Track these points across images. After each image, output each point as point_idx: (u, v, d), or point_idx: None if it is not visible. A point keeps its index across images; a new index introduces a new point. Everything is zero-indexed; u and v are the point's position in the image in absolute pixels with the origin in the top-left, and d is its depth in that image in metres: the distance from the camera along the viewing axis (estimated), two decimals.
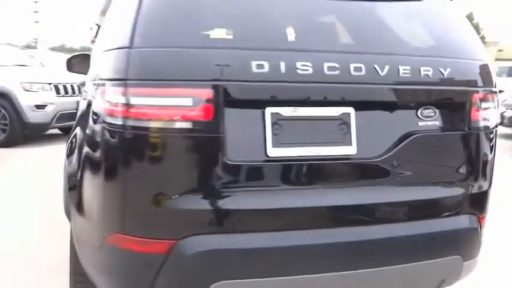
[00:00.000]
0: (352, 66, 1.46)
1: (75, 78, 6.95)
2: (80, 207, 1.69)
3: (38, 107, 6.35)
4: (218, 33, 1.52)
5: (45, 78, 6.68)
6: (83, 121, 1.74)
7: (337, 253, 1.49)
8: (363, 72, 1.47)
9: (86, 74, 3.61)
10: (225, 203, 1.42)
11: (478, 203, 1.73)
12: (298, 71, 1.41)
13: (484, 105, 1.67)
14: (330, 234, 1.48)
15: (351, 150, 1.50)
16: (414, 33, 1.71)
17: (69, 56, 3.83)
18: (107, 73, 1.51)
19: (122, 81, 1.40)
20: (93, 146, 1.56)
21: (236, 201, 1.43)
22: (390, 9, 1.70)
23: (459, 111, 1.63)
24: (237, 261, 1.43)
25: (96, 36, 2.77)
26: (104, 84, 1.51)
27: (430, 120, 1.61)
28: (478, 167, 1.70)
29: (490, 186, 1.76)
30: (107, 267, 1.57)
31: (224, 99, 1.38)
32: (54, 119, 6.44)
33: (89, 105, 1.67)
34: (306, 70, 1.42)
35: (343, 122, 1.50)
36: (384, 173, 1.55)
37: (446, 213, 1.65)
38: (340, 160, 1.50)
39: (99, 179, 1.51)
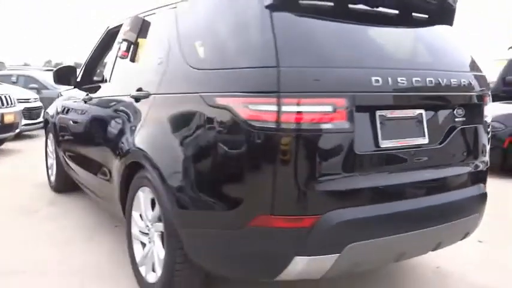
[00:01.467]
0: (427, 79, 2.03)
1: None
2: (207, 202, 2.01)
3: None
4: (344, 55, 1.97)
5: None
6: (199, 131, 2.04)
7: (423, 215, 2.04)
8: (433, 84, 2.05)
9: (71, 85, 3.73)
10: (354, 184, 1.89)
11: (485, 175, 2.41)
12: (398, 84, 1.94)
13: (488, 104, 2.37)
14: (419, 201, 2.03)
15: (424, 140, 2.07)
16: (450, 55, 2.34)
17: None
18: (248, 86, 1.85)
19: (275, 93, 1.78)
20: (235, 146, 1.89)
21: (362, 181, 1.90)
22: (437, 39, 2.32)
23: (478, 109, 2.30)
24: (363, 226, 1.90)
25: (127, 51, 2.95)
26: (239, 96, 1.86)
27: (461, 117, 2.24)
28: (486, 149, 2.39)
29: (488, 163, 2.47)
30: (247, 248, 1.91)
31: (353, 106, 1.84)
32: None
33: (201, 117, 1.99)
34: (402, 83, 1.95)
35: (419, 120, 2.06)
36: (442, 156, 2.14)
37: (473, 183, 2.30)
38: (419, 148, 2.06)
39: (249, 173, 1.86)
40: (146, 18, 2.89)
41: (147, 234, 2.56)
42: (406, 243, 2.05)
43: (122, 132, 2.74)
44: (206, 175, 2.03)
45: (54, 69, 4.02)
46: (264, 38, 1.87)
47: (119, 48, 2.95)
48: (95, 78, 4.00)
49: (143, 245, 2.61)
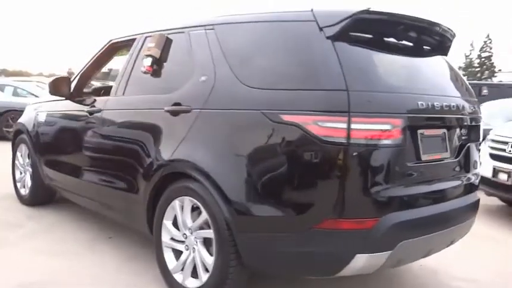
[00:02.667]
0: (451, 104, 2.44)
1: None
2: (272, 208, 2.23)
3: None
4: (396, 82, 2.30)
5: None
6: (262, 144, 2.27)
7: (448, 216, 2.44)
8: (454, 108, 2.47)
9: (64, 96, 3.74)
10: (404, 191, 2.22)
11: (478, 184, 2.88)
12: (434, 107, 2.33)
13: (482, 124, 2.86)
14: (445, 205, 2.42)
15: (447, 154, 2.48)
16: (457, 82, 2.79)
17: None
18: (318, 106, 2.12)
19: (345, 113, 2.07)
20: (304, 158, 2.14)
21: (409, 189, 2.25)
22: (446, 69, 2.76)
23: (477, 129, 2.76)
24: (410, 227, 2.23)
25: (151, 67, 3.05)
26: (309, 114, 2.12)
27: (465, 135, 2.68)
28: (478, 162, 2.87)
29: None
30: (311, 248, 2.16)
31: (405, 125, 2.19)
32: None
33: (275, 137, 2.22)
34: (436, 107, 2.34)
35: (443, 138, 2.47)
36: (457, 167, 2.57)
37: (473, 190, 2.76)
38: (444, 160, 2.47)
39: (319, 182, 2.12)
40: (170, 36, 3.03)
41: (183, 242, 2.69)
42: (435, 241, 2.43)
43: (153, 144, 2.84)
44: (272, 184, 2.25)
45: (50, 79, 3.94)
46: (331, 65, 2.16)
47: (142, 64, 3.04)
48: (97, 91, 4.00)
49: (177, 252, 2.73)
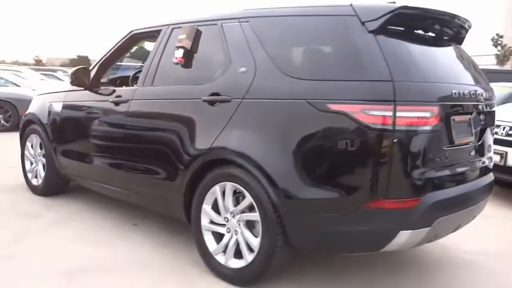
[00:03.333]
0: (475, 92, 2.66)
1: None
2: (320, 191, 2.41)
3: None
4: (432, 72, 2.49)
5: None
6: (310, 131, 2.44)
7: (473, 195, 2.67)
8: (477, 95, 2.68)
9: (86, 87, 3.80)
10: (441, 172, 2.44)
11: (492, 166, 3.13)
12: (464, 95, 2.53)
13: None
14: (471, 185, 2.65)
15: (472, 138, 2.71)
16: (477, 72, 3.01)
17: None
18: (365, 95, 2.30)
19: (391, 101, 2.25)
20: (353, 144, 2.32)
21: (444, 170, 2.46)
22: (466, 59, 2.98)
23: (493, 114, 3.00)
24: (445, 205, 2.45)
25: (183, 58, 3.14)
26: (356, 103, 2.30)
27: (484, 120, 2.91)
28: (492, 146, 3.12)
29: None
30: (358, 227, 2.35)
31: (441, 112, 2.39)
32: None
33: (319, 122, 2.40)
34: (465, 95, 2.55)
35: (468, 123, 2.68)
36: (479, 150, 2.80)
37: (490, 171, 3.00)
38: (469, 144, 2.69)
39: (367, 165, 2.30)
40: (200, 28, 3.14)
41: (223, 225, 2.84)
42: (463, 217, 2.66)
43: (191, 133, 2.96)
44: (321, 168, 2.42)
45: (72, 70, 3.95)
46: (376, 57, 2.33)
47: (174, 55, 3.13)
48: (113, 81, 4.05)
49: (217, 235, 2.89)
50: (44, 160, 4.47)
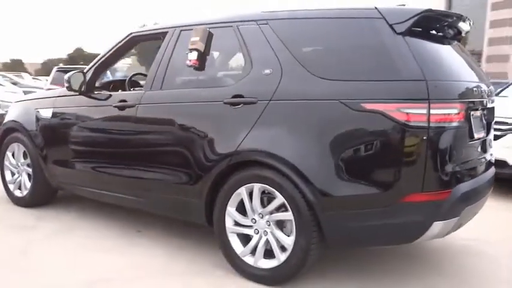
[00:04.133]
0: (484, 88, 2.86)
1: None
2: (358, 187, 2.49)
3: None
4: (455, 71, 2.64)
5: None
6: (344, 130, 2.52)
7: (486, 185, 2.86)
8: (485, 91, 2.88)
9: (78, 91, 3.69)
10: (465, 165, 2.60)
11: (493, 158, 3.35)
12: (480, 92, 2.72)
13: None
14: (484, 176, 2.84)
15: (484, 133, 2.90)
16: (480, 69, 3.21)
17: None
18: (400, 95, 2.41)
19: (425, 100, 2.38)
20: (389, 141, 2.42)
21: (468, 163, 2.63)
22: (472, 59, 3.17)
23: (493, 109, 3.22)
24: (471, 195, 2.61)
25: (197, 60, 3.11)
26: (392, 102, 2.41)
27: (487, 115, 3.11)
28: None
29: None
30: (394, 220, 2.46)
31: (466, 109, 2.55)
32: None
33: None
34: (479, 92, 2.74)
35: (480, 118, 2.87)
36: (487, 144, 3.00)
37: (492, 164, 3.22)
38: (481, 138, 2.88)
39: (403, 161, 2.41)
40: (212, 30, 3.13)
41: (250, 226, 2.86)
42: (479, 206, 2.85)
43: (212, 136, 2.95)
44: (359, 166, 2.51)
45: (68, 74, 3.77)
46: (407, 58, 2.44)
47: (187, 57, 3.10)
48: (106, 85, 3.93)
49: (245, 237, 2.90)
50: (29, 170, 4.25)
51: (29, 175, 4.28)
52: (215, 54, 3.13)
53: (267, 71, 2.82)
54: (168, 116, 3.22)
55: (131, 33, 3.70)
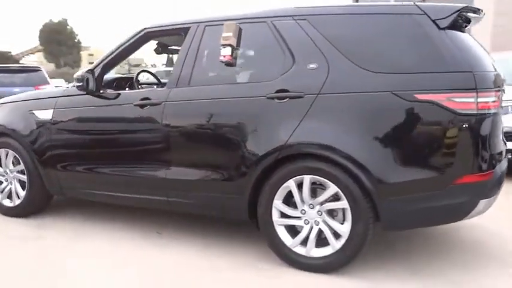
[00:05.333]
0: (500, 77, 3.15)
1: None
2: (415, 172, 2.66)
3: None
4: (486, 62, 2.85)
5: None
6: (398, 119, 2.67)
7: (500, 178, 3.11)
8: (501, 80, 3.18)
9: (86, 91, 3.55)
10: (499, 148, 2.86)
11: None
12: (500, 81, 2.99)
13: None
14: (504, 160, 3.13)
15: None
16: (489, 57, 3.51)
17: None
18: (450, 85, 2.60)
19: (474, 89, 2.60)
20: (443, 129, 2.61)
21: (500, 146, 2.89)
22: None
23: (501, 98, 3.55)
24: (502, 176, 2.90)
25: (231, 56, 3.08)
26: (443, 92, 2.60)
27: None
28: None
29: None
30: (448, 201, 2.66)
31: (498, 96, 2.81)
32: None
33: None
34: (500, 80, 3.01)
35: (501, 105, 3.17)
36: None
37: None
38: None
39: (457, 146, 2.62)
40: (244, 26, 3.14)
41: (299, 217, 2.94)
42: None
43: (255, 131, 2.97)
44: (415, 152, 2.67)
45: (78, 73, 3.52)
46: (453, 51, 2.65)
47: (221, 53, 3.07)
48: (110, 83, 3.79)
49: (289, 228, 2.98)
50: (22, 177, 3.95)
51: (21, 182, 3.97)
52: (251, 49, 3.14)
53: (312, 66, 2.89)
54: (202, 113, 3.17)
55: (145, 29, 3.57)
